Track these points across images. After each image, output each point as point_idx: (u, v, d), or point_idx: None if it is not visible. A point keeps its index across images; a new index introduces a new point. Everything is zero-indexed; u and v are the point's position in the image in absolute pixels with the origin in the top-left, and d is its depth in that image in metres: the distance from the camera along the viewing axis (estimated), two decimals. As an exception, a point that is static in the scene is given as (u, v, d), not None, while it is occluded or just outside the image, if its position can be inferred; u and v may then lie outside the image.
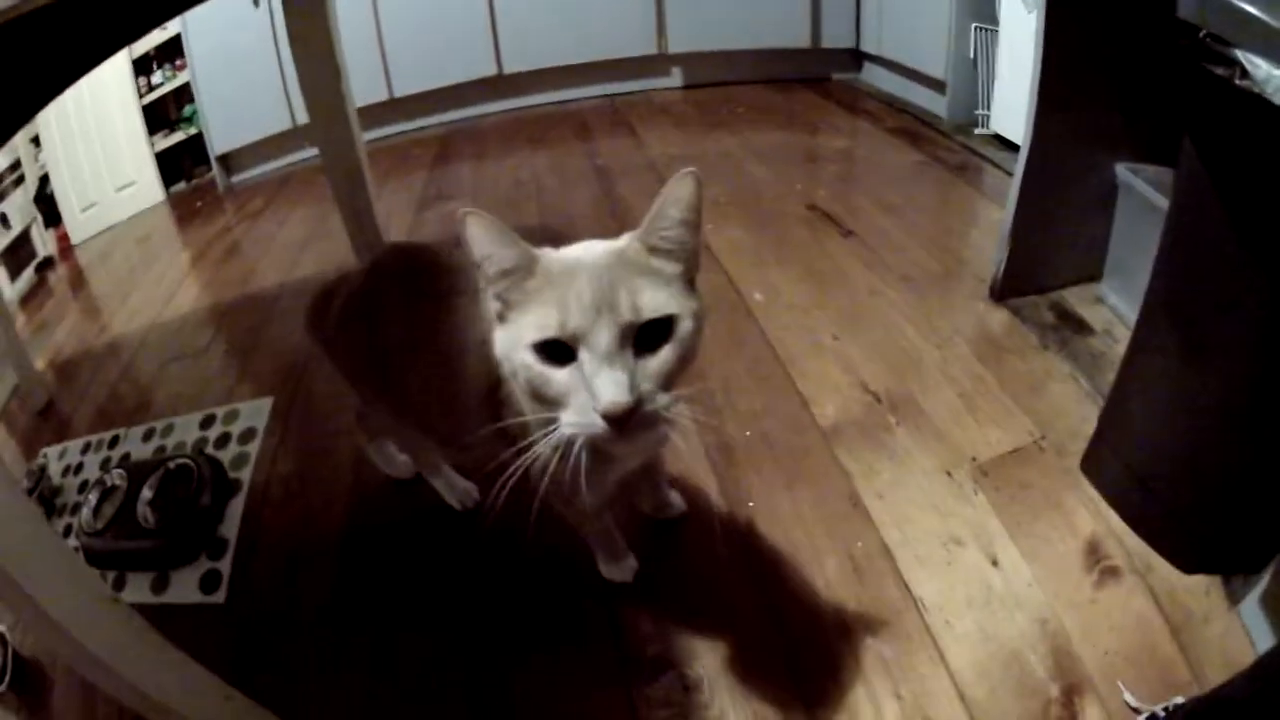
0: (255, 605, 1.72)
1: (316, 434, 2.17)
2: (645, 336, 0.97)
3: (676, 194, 0.99)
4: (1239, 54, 1.00)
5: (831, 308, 2.19)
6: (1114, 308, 1.95)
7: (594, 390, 0.93)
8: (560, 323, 0.95)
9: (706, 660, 1.35)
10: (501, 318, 1.05)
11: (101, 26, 1.79)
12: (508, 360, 1.02)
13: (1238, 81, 1.02)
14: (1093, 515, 1.47)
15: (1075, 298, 2.02)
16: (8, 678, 1.71)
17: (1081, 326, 1.93)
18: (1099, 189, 1.92)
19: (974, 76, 3.20)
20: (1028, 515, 1.49)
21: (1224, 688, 1.00)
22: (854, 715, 1.23)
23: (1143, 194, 1.79)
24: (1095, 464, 1.53)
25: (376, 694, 1.43)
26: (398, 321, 1.39)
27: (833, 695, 1.27)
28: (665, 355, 0.98)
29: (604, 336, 0.94)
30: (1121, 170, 1.87)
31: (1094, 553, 1.40)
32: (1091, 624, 1.30)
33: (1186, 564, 1.35)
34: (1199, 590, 1.31)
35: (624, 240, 1.06)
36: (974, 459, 1.62)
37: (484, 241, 1.00)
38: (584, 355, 0.95)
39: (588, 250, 1.06)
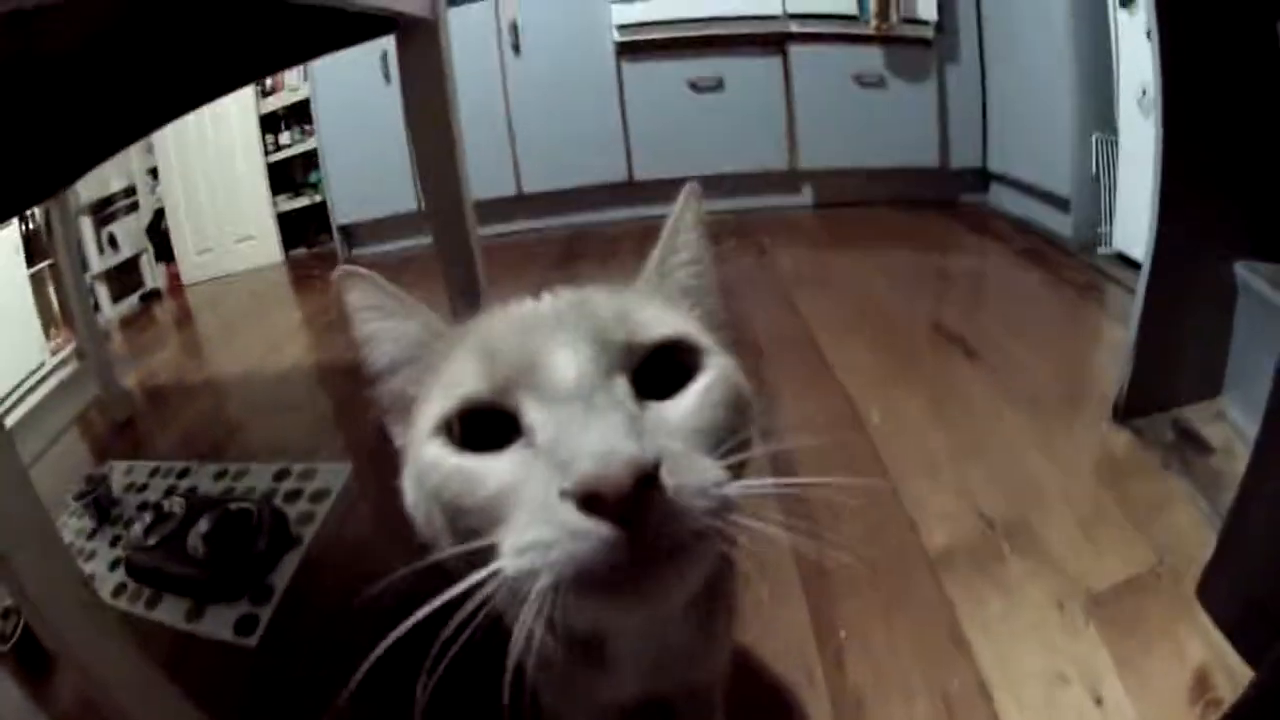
0: (286, 659, 1.70)
1: (390, 510, 2.11)
2: (650, 379, 0.59)
3: (686, 217, 0.77)
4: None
5: (951, 431, 2.12)
6: (1234, 422, 1.85)
7: (560, 453, 0.52)
8: (484, 369, 0.59)
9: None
10: (404, 444, 0.72)
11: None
12: (414, 493, 0.66)
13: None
14: (1204, 644, 1.36)
15: (1196, 414, 1.92)
16: (13, 640, 1.75)
17: (1202, 445, 1.83)
18: (1218, 292, 1.84)
19: (1097, 192, 3.14)
20: (1139, 648, 1.38)
21: None
22: None
23: (1261, 292, 1.71)
24: (1210, 589, 1.43)
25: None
26: None
27: None
28: (690, 403, 0.59)
29: (567, 360, 0.57)
30: (1240, 269, 1.79)
31: (1201, 684, 1.29)
32: (1190, 767, 1.18)
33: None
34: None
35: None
36: (1089, 589, 1.52)
37: (366, 315, 0.71)
38: (531, 410, 0.57)
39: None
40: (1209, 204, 1.77)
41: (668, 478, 0.49)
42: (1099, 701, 1.31)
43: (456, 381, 0.60)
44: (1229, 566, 1.41)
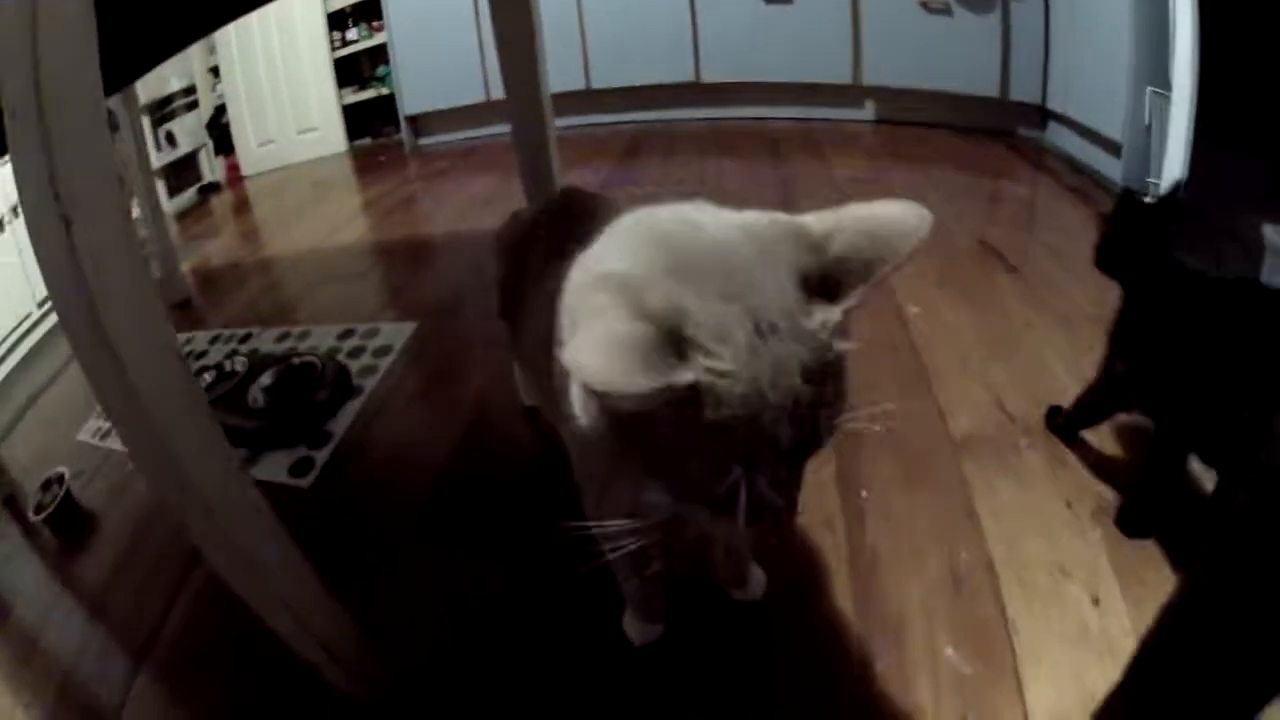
0: (339, 499, 1.79)
1: (452, 362, 2.25)
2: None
3: (916, 235, 0.75)
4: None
5: (984, 332, 2.18)
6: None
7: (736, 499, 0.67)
8: (727, 453, 0.67)
9: (778, 635, 1.35)
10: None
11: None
12: (584, 419, 0.76)
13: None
14: (1203, 565, 1.40)
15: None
16: (48, 512, 1.85)
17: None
18: (1247, 253, 1.84)
19: (1148, 144, 3.09)
20: (1140, 560, 1.42)
21: None
22: (914, 724, 1.20)
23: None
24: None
25: (423, 614, 1.47)
26: (535, 260, 1.25)
27: (899, 699, 1.23)
28: (834, 402, 0.74)
29: (778, 453, 0.68)
30: (1270, 232, 1.80)
31: (1194, 606, 1.34)
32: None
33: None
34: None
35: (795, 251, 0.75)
36: (1098, 495, 1.57)
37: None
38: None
39: (745, 286, 0.71)
40: (1242, 165, 1.76)
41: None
42: (1096, 602, 1.36)
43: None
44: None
